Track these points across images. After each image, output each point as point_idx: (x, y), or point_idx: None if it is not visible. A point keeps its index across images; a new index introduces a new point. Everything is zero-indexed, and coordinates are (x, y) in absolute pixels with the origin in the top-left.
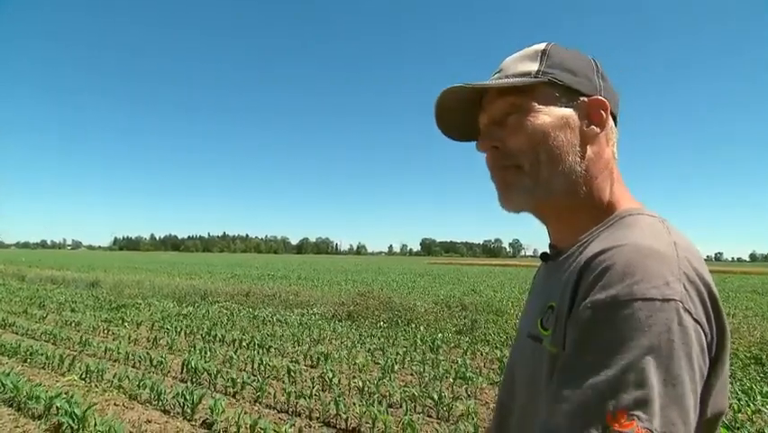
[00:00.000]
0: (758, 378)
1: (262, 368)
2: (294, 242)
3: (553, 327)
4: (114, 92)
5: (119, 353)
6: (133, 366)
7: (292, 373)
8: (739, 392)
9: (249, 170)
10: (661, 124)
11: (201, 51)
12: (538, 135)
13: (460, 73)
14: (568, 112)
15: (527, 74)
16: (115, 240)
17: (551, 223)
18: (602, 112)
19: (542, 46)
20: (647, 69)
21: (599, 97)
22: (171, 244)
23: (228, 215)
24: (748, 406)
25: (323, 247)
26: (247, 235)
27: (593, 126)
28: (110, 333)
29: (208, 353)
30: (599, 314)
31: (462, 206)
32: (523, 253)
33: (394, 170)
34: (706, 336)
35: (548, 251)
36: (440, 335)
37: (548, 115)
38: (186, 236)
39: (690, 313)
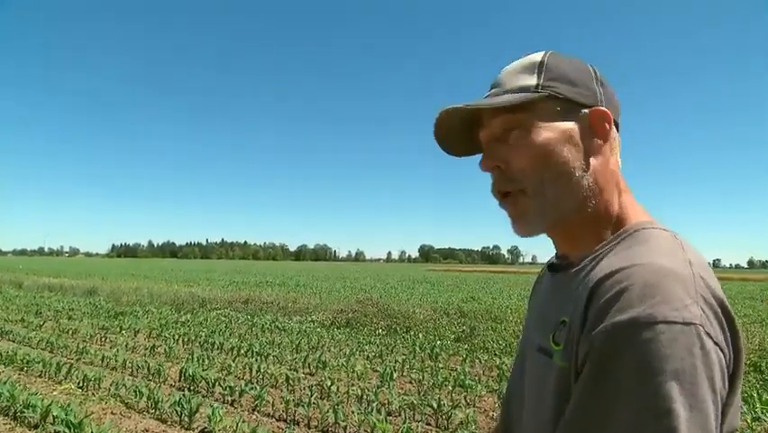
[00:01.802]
0: (757, 385)
1: (261, 376)
2: (292, 248)
3: (564, 343)
4: (112, 96)
5: (116, 361)
6: (131, 374)
7: (291, 381)
8: None
9: (247, 176)
10: (658, 128)
11: (199, 57)
12: (541, 153)
13: (460, 79)
14: (570, 126)
15: (526, 89)
16: (113, 247)
17: (559, 238)
18: (605, 123)
19: (539, 57)
20: (644, 73)
21: (601, 108)
22: (169, 250)
23: (226, 221)
24: (748, 414)
25: (321, 254)
26: (245, 242)
27: (596, 139)
28: (107, 341)
29: (206, 360)
30: (620, 337)
31: (461, 213)
32: (521, 259)
33: (392, 176)
34: (725, 356)
35: (555, 260)
36: (439, 342)
37: (550, 130)
38: (184, 243)
39: (711, 336)
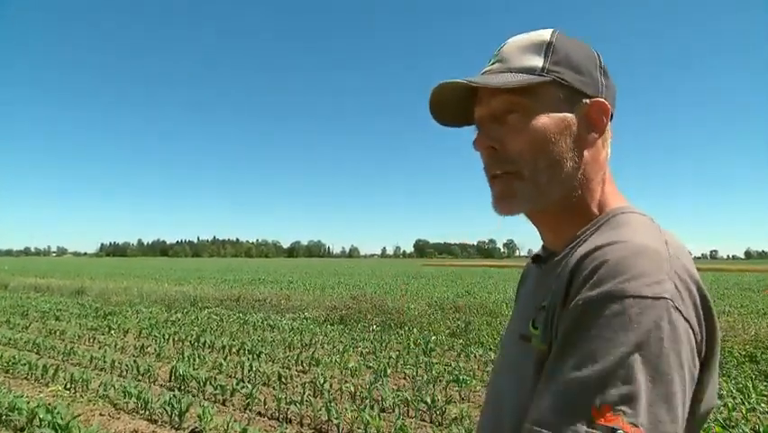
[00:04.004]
0: (753, 376)
1: (252, 374)
2: (285, 245)
3: (543, 325)
4: (99, 93)
5: (105, 361)
6: (120, 375)
7: (283, 379)
8: (734, 391)
9: (239, 172)
10: (654, 119)
11: (190, 51)
12: (539, 140)
13: (452, 70)
14: (569, 115)
15: (532, 70)
16: (102, 246)
17: (543, 226)
18: (603, 116)
19: (547, 36)
20: (639, 63)
21: (602, 100)
22: (160, 249)
23: (218, 218)
24: (743, 404)
25: (315, 250)
26: (238, 239)
27: (593, 132)
28: (96, 341)
29: (197, 360)
30: (589, 310)
31: (456, 206)
32: (517, 253)
33: (386, 171)
34: (696, 335)
35: (539, 252)
36: (433, 337)
37: (549, 117)
38: (174, 241)
39: (681, 312)
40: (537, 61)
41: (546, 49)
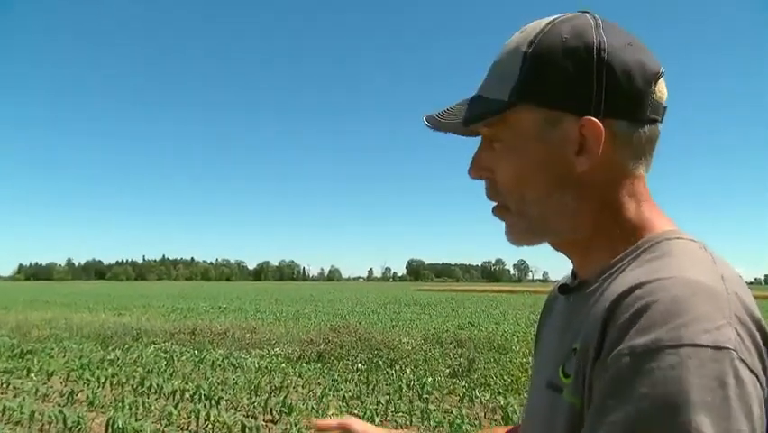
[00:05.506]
0: None
1: (210, 425)
2: (251, 266)
3: (575, 374)
4: (23, 86)
5: (22, 413)
6: (40, 430)
7: (247, 431)
8: None
9: (193, 179)
10: (699, 127)
11: (150, 47)
12: (522, 172)
13: (450, 70)
14: (555, 139)
15: (500, 99)
16: (20, 267)
17: (570, 256)
18: (598, 136)
19: (525, 43)
20: (682, 57)
21: (592, 119)
22: (95, 271)
23: (168, 234)
24: None
25: (287, 272)
26: (192, 259)
27: (582, 156)
28: (10, 387)
29: (141, 408)
30: (638, 362)
31: (457, 221)
32: (530, 276)
33: (374, 179)
34: (763, 389)
35: (568, 280)
36: (430, 378)
37: (531, 145)
38: (114, 261)
39: (747, 364)
40: (508, 82)
41: (522, 62)
